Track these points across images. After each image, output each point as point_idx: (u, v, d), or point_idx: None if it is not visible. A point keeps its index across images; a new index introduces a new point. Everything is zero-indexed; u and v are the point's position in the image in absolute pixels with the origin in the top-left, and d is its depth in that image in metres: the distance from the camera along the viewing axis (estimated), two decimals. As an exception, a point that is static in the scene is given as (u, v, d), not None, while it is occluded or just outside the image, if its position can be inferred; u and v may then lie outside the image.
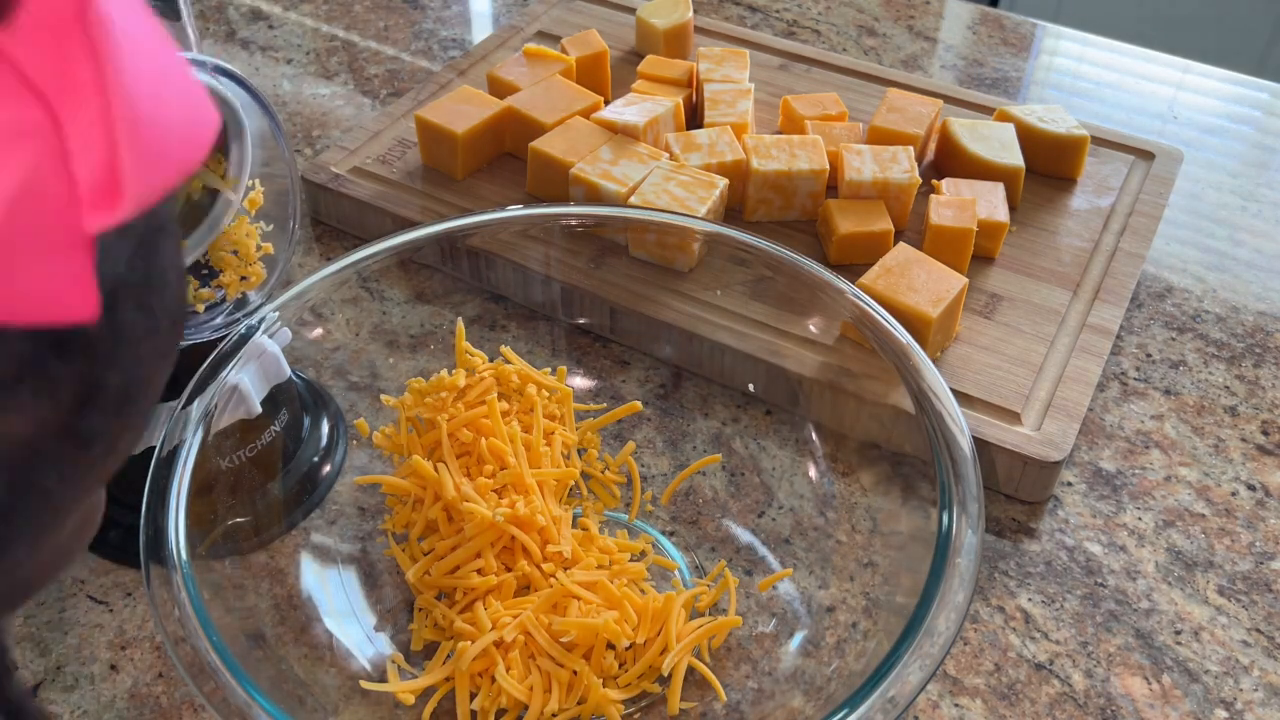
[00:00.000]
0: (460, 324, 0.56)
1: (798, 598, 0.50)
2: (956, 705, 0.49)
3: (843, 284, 0.52)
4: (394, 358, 0.59)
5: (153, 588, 0.41)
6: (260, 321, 0.49)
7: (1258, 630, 0.52)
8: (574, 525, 0.53)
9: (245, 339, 0.49)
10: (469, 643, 0.46)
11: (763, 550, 0.53)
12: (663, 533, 0.54)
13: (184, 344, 0.47)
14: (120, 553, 0.54)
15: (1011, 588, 0.54)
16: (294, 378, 0.52)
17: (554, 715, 0.46)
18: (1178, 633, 0.52)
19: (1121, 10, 1.71)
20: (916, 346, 0.49)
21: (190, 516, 0.44)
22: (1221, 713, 0.49)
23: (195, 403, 0.47)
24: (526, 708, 0.46)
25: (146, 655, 0.50)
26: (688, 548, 0.54)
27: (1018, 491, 0.57)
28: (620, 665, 0.47)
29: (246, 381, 0.48)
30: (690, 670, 0.47)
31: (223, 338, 0.48)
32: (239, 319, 0.47)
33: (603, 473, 0.56)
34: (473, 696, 0.46)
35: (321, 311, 0.55)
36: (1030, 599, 0.53)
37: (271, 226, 0.47)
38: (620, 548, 0.52)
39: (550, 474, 0.52)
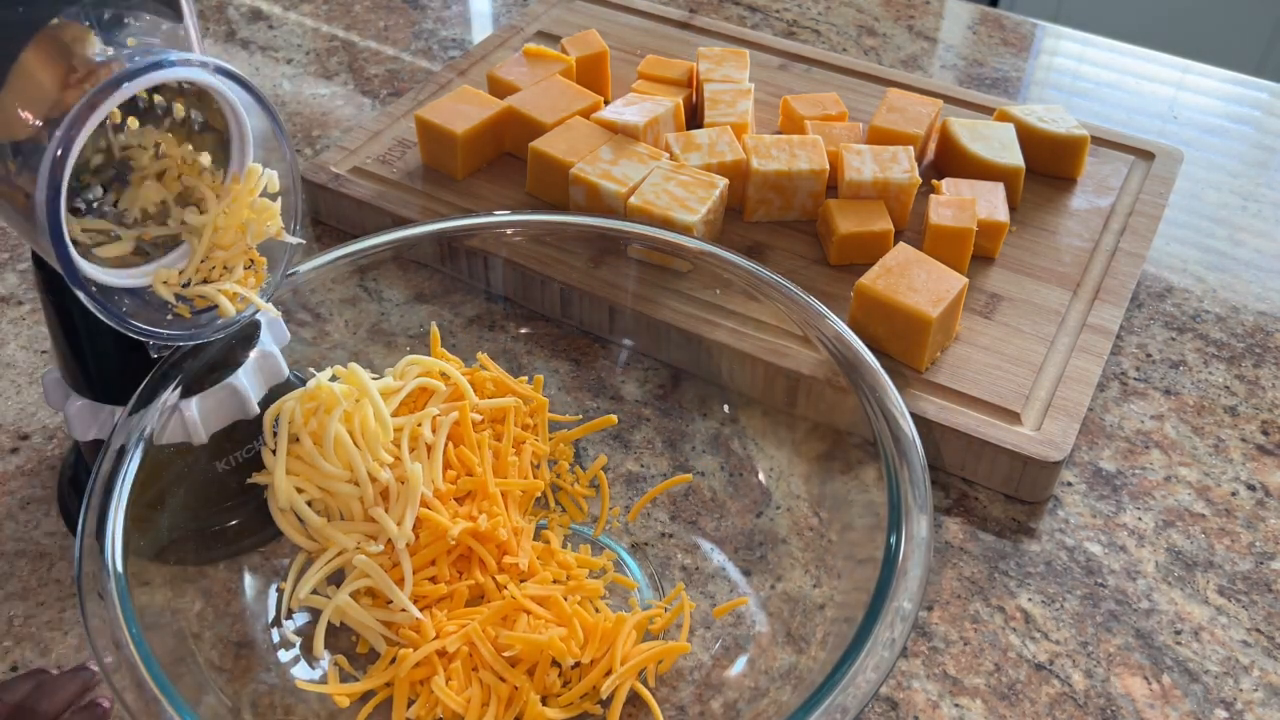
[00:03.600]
0: (435, 329, 0.56)
1: (799, 597, 0.50)
2: (956, 705, 0.49)
3: (819, 306, 0.53)
4: (393, 358, 0.58)
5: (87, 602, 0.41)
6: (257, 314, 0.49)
7: (1258, 630, 0.52)
8: (537, 537, 0.52)
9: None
10: (410, 649, 0.46)
11: (733, 572, 0.53)
12: (628, 548, 0.54)
13: (187, 343, 0.47)
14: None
15: (1011, 588, 0.54)
16: (293, 378, 0.52)
17: None
18: (1178, 633, 0.52)
19: (1121, 10, 1.71)
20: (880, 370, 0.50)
21: (127, 524, 0.44)
22: (1221, 713, 0.49)
23: (141, 412, 0.46)
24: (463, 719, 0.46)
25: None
26: (651, 562, 0.54)
27: (1018, 491, 0.57)
28: (564, 683, 0.47)
29: (244, 382, 0.48)
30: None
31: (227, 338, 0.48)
32: (238, 319, 0.47)
33: (573, 485, 0.56)
34: (411, 704, 0.46)
35: (320, 312, 0.55)
36: (1030, 599, 0.53)
37: (271, 227, 0.47)
38: (580, 563, 0.52)
39: (516, 484, 0.52)
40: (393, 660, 0.47)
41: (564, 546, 0.53)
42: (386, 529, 0.48)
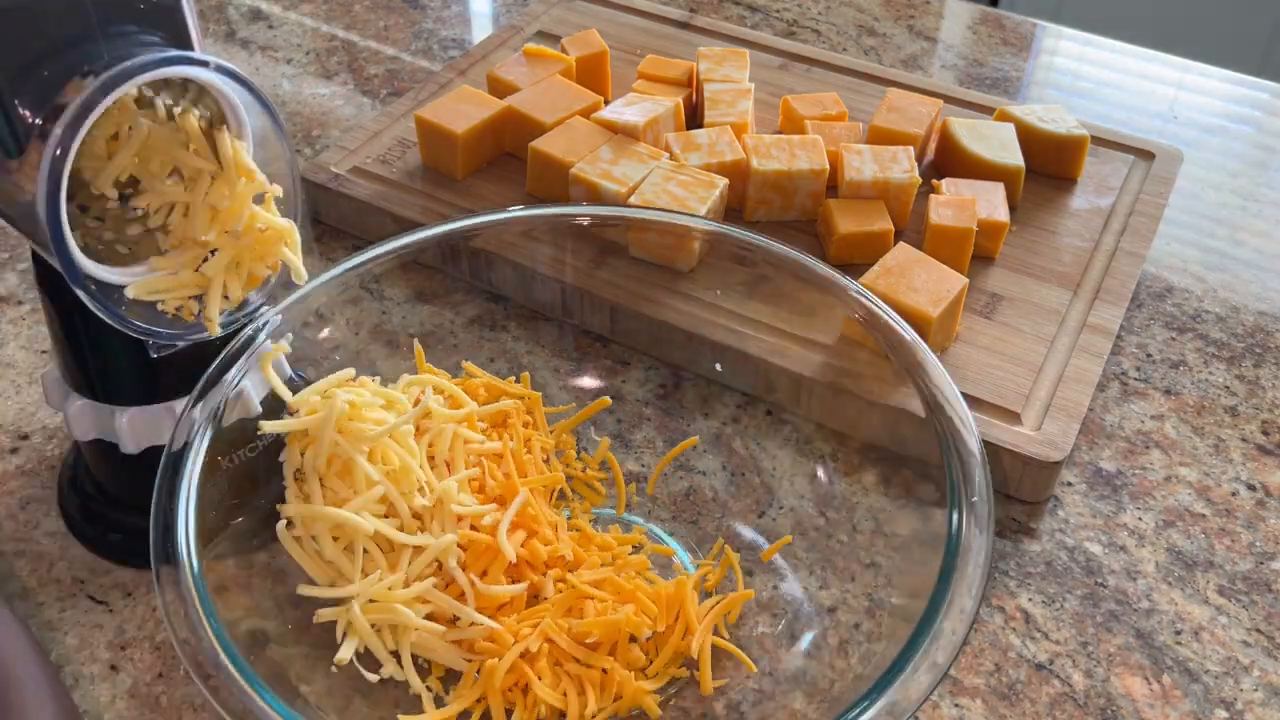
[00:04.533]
0: (419, 347, 0.56)
1: (804, 599, 0.50)
2: (956, 705, 0.49)
3: (846, 281, 0.52)
4: (395, 358, 0.59)
5: (162, 587, 0.41)
6: (266, 324, 0.49)
7: (1258, 630, 0.52)
8: (567, 528, 0.53)
9: (251, 341, 0.49)
10: (496, 660, 0.46)
11: (757, 537, 0.53)
12: (650, 520, 0.55)
13: (187, 342, 0.47)
14: (121, 553, 0.54)
15: (1011, 588, 0.54)
16: (295, 377, 0.52)
17: (594, 716, 0.46)
18: (1178, 633, 0.52)
19: (1121, 10, 1.71)
20: (923, 344, 0.49)
21: (199, 517, 0.44)
22: (1221, 713, 0.49)
23: (200, 404, 0.47)
24: (564, 715, 0.46)
25: (146, 655, 0.50)
26: (679, 536, 0.54)
27: (1018, 491, 0.57)
28: (645, 656, 0.47)
29: (247, 381, 0.48)
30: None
31: (228, 337, 0.48)
32: (238, 319, 0.47)
33: (583, 471, 0.56)
34: (508, 713, 0.46)
35: (322, 312, 0.55)
36: (1030, 599, 0.53)
37: (271, 227, 0.47)
38: (619, 541, 0.52)
39: (539, 480, 0.52)
40: (476, 675, 0.47)
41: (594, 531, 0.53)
42: (434, 550, 0.47)
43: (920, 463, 0.47)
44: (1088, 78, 0.90)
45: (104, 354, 0.49)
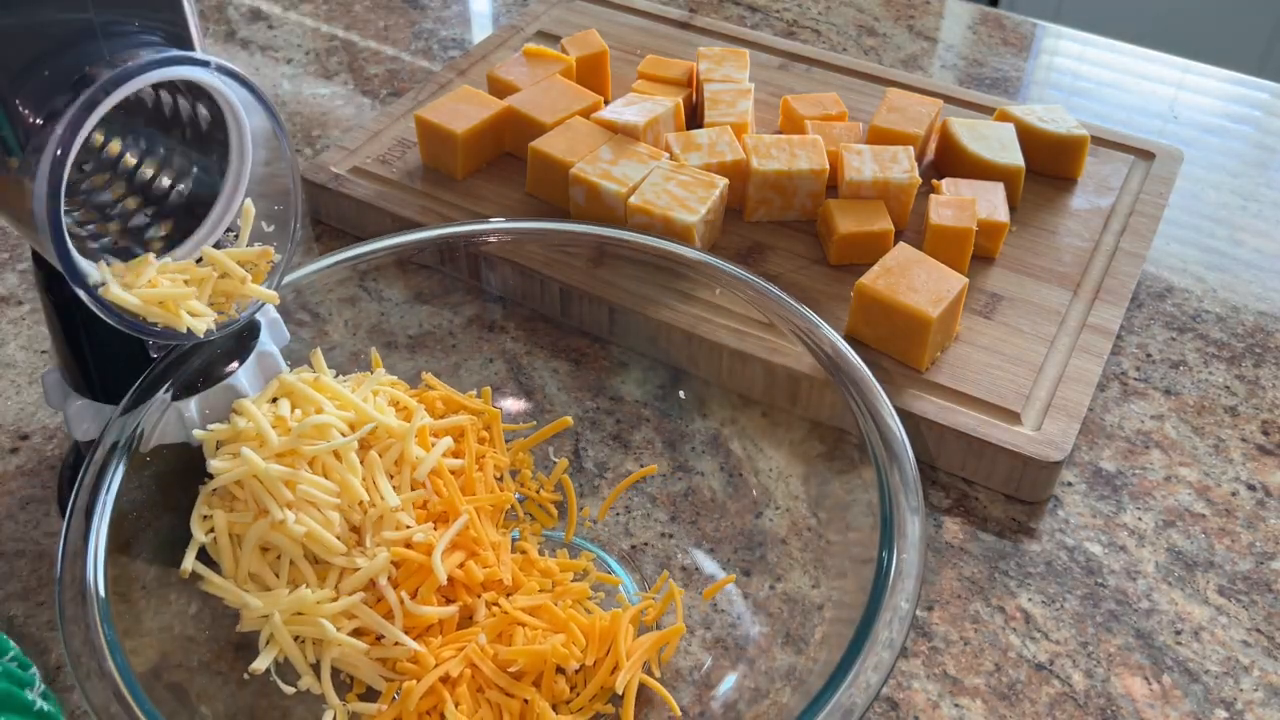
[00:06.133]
0: (375, 354, 0.55)
1: (750, 624, 0.50)
2: (956, 705, 0.49)
3: (815, 323, 0.52)
4: (393, 358, 0.59)
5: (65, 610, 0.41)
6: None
7: (1258, 630, 0.52)
8: (512, 549, 0.52)
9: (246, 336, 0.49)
10: (414, 681, 0.45)
11: (706, 561, 0.53)
12: (602, 547, 0.54)
13: (187, 342, 0.47)
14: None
15: (1011, 588, 0.54)
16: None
17: None
18: (1178, 633, 0.52)
19: (1121, 10, 1.71)
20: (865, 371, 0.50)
21: (112, 529, 0.43)
22: (1221, 713, 0.49)
23: (132, 413, 0.46)
24: None
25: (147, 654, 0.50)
26: (629, 560, 0.54)
27: (1018, 491, 0.57)
28: (571, 689, 0.46)
29: (244, 381, 0.48)
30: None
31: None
32: (237, 320, 0.47)
33: (538, 492, 0.56)
34: None
35: (319, 312, 0.55)
36: (1030, 599, 0.53)
37: (272, 227, 0.47)
38: (562, 568, 0.51)
39: (486, 499, 0.51)
40: (394, 696, 0.46)
41: (540, 554, 0.53)
42: (368, 571, 0.46)
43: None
44: (1088, 78, 0.90)
45: (104, 354, 0.49)
